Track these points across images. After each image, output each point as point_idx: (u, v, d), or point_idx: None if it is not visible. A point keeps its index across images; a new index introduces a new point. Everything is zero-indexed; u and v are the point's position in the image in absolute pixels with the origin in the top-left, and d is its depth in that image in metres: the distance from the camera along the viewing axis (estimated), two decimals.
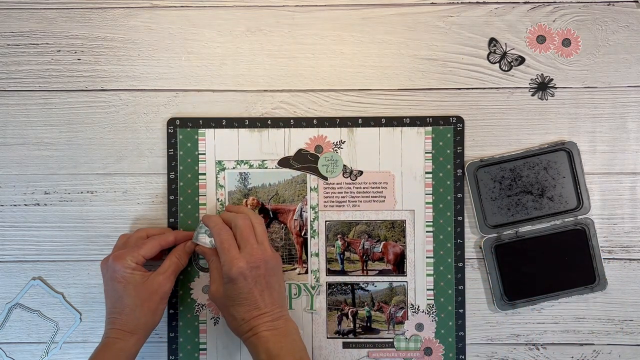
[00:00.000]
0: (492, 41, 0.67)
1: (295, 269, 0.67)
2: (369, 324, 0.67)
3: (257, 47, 0.67)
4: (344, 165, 0.67)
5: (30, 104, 0.67)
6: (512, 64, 0.67)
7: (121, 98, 0.67)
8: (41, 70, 0.67)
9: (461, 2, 0.67)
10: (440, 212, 0.66)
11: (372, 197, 0.67)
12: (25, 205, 0.67)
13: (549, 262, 0.66)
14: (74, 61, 0.67)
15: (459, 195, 0.66)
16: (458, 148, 0.67)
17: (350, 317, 0.67)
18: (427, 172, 0.67)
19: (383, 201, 0.67)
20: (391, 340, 0.67)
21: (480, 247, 0.66)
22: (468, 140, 0.67)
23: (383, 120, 0.67)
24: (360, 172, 0.67)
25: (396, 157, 0.67)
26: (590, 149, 0.67)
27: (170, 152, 0.67)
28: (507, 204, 0.66)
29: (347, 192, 0.67)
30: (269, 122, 0.67)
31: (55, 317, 0.68)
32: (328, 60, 0.67)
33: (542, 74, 0.67)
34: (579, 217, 0.66)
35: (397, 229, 0.67)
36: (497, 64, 0.67)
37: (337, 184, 0.67)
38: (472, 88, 0.67)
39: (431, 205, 0.67)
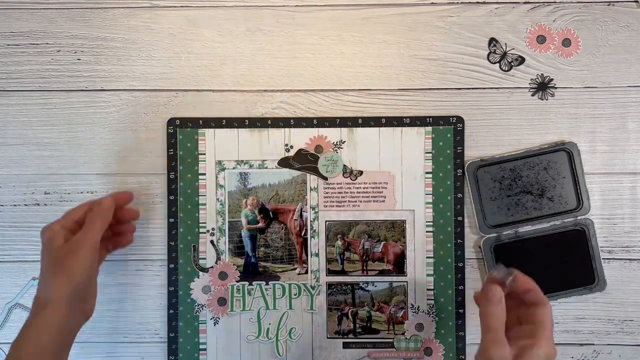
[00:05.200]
0: (492, 41, 0.67)
1: (295, 269, 0.67)
2: (369, 324, 0.67)
3: (257, 47, 0.67)
4: (344, 165, 0.67)
5: (30, 104, 0.67)
6: (512, 64, 0.67)
7: (121, 98, 0.67)
8: (41, 70, 0.67)
9: (461, 2, 0.67)
10: (440, 212, 0.66)
11: (372, 197, 0.67)
12: (25, 205, 0.67)
13: (548, 262, 0.66)
14: (74, 61, 0.67)
15: (459, 195, 0.66)
16: (458, 148, 0.67)
17: (350, 317, 0.67)
18: (427, 172, 0.67)
19: (383, 201, 0.67)
20: (391, 340, 0.67)
21: (480, 247, 0.66)
22: (468, 140, 0.67)
23: (383, 120, 0.67)
24: (360, 172, 0.67)
25: (396, 157, 0.67)
26: (590, 149, 0.67)
27: (170, 152, 0.67)
28: (507, 204, 0.66)
29: (347, 192, 0.67)
30: (269, 122, 0.67)
31: None
32: (328, 60, 0.67)
33: (542, 74, 0.67)
34: (579, 218, 0.66)
35: (397, 229, 0.67)
36: (497, 64, 0.67)
37: (337, 184, 0.67)
38: (472, 88, 0.67)
39: (431, 205, 0.67)
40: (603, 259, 0.66)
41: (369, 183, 0.67)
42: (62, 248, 0.54)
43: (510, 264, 0.66)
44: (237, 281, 0.67)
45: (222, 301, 0.67)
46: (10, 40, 0.67)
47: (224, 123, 0.67)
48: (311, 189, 0.67)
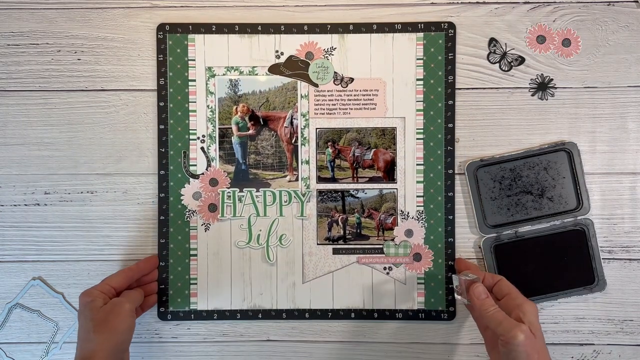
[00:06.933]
0: (492, 41, 0.67)
1: (285, 176, 0.67)
2: (358, 231, 0.67)
3: None
4: (335, 72, 0.67)
5: (30, 104, 0.67)
6: (512, 64, 0.67)
7: (121, 98, 0.67)
8: (41, 70, 0.67)
9: (461, 2, 0.67)
10: (431, 119, 0.66)
11: (363, 104, 0.67)
12: (25, 205, 0.67)
13: (548, 262, 0.66)
14: (74, 61, 0.67)
15: (450, 102, 0.66)
16: (449, 54, 0.66)
17: (340, 223, 0.67)
18: (418, 79, 0.66)
19: (374, 108, 0.67)
20: (381, 246, 0.67)
21: (480, 247, 0.66)
22: (468, 140, 0.67)
23: (374, 27, 0.66)
24: (351, 79, 0.67)
25: (387, 64, 0.67)
26: (590, 149, 0.67)
27: (160, 58, 0.66)
28: (507, 203, 0.66)
29: (338, 99, 0.67)
30: (259, 27, 0.66)
31: (55, 317, 0.68)
32: None
33: (542, 74, 0.67)
34: (579, 218, 0.66)
35: (387, 136, 0.67)
36: (497, 64, 0.67)
37: (328, 91, 0.67)
38: (472, 88, 0.67)
39: (422, 113, 0.66)
40: (603, 259, 0.66)
41: (360, 90, 0.67)
42: (102, 309, 0.57)
43: (510, 264, 0.66)
44: (228, 188, 0.67)
45: (212, 207, 0.67)
46: (10, 40, 0.67)
47: (213, 29, 0.66)
48: (302, 96, 0.67)
